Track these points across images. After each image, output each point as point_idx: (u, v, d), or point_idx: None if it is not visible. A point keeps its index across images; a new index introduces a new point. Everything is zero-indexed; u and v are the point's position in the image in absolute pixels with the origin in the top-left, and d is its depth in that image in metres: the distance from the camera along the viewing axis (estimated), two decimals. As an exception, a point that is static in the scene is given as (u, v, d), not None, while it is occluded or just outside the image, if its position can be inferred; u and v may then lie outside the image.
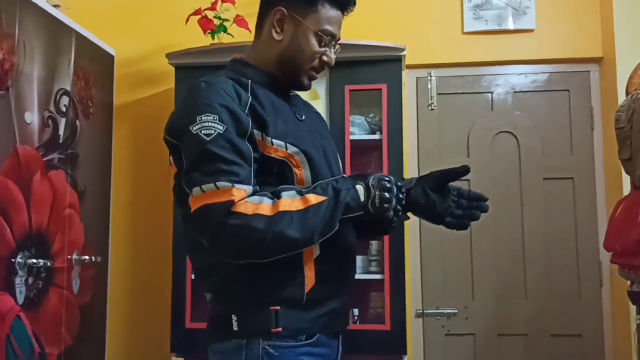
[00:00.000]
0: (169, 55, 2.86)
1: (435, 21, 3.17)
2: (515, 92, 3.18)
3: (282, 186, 1.37)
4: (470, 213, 1.43)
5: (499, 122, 3.16)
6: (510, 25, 3.13)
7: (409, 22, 3.17)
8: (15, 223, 2.29)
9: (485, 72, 3.20)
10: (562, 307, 3.03)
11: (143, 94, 3.27)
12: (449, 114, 3.18)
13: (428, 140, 3.18)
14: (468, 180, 2.71)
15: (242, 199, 1.29)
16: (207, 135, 1.31)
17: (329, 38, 1.49)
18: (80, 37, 2.81)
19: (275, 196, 1.33)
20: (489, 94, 3.19)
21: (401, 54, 2.75)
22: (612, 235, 2.35)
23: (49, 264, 2.48)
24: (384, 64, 2.75)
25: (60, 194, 2.60)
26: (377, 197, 1.35)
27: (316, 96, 2.75)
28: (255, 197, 1.31)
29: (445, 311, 3.07)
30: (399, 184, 1.40)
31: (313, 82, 1.56)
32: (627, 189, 2.61)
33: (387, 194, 1.35)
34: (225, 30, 2.96)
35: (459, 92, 3.20)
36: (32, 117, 2.43)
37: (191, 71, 2.74)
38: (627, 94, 2.66)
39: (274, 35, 1.49)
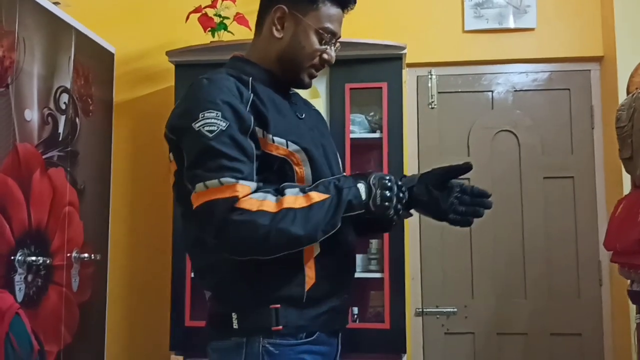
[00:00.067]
0: (169, 53, 2.86)
1: (435, 20, 3.17)
2: (515, 91, 3.17)
3: (285, 183, 1.37)
4: (474, 210, 1.43)
5: (499, 121, 3.16)
6: (511, 24, 3.13)
7: (410, 20, 3.16)
8: (15, 221, 2.28)
9: (485, 70, 3.19)
10: (561, 306, 3.03)
11: (143, 91, 3.27)
12: (450, 112, 3.18)
13: (428, 138, 3.18)
14: (468, 179, 2.71)
15: (246, 195, 1.29)
16: (210, 131, 1.31)
17: (329, 36, 1.49)
18: (80, 34, 2.80)
19: (279, 193, 1.33)
20: (490, 93, 3.19)
21: (402, 52, 2.75)
22: (612, 235, 2.35)
23: (48, 261, 2.48)
24: (385, 63, 2.75)
25: (59, 191, 2.60)
26: (378, 196, 1.35)
27: (316, 94, 2.74)
28: (259, 194, 1.31)
29: (444, 310, 3.07)
30: (400, 182, 1.40)
31: (313, 80, 1.55)
32: (627, 188, 2.61)
33: (387, 193, 1.35)
34: (225, 28, 2.95)
35: (460, 90, 3.20)
36: (32, 114, 2.43)
37: (191, 69, 2.74)
38: (627, 92, 2.66)
39: (275, 33, 1.48)
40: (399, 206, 1.38)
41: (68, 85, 2.70)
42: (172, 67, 2.88)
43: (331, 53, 1.51)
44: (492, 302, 3.06)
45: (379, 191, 1.35)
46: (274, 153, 1.39)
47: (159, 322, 2.97)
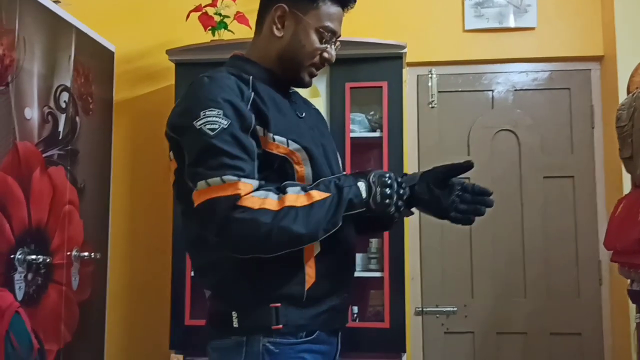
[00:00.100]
0: (169, 52, 2.86)
1: (436, 19, 3.17)
2: (515, 90, 3.17)
3: (287, 182, 1.37)
4: (475, 208, 1.43)
5: (499, 120, 3.16)
6: (511, 23, 3.13)
7: (410, 19, 3.16)
8: (15, 219, 2.28)
9: (486, 70, 3.19)
10: (561, 305, 3.03)
11: (143, 90, 3.27)
12: (450, 111, 3.18)
13: (428, 138, 3.18)
14: (468, 178, 2.71)
15: (248, 193, 1.29)
16: (212, 130, 1.31)
17: (329, 35, 1.49)
18: (80, 33, 2.80)
19: (281, 191, 1.33)
20: (490, 92, 3.19)
21: (402, 51, 2.75)
22: (612, 234, 2.35)
23: (48, 260, 2.48)
24: (385, 62, 2.75)
25: (59, 190, 2.60)
26: (378, 194, 1.36)
27: (317, 93, 2.74)
28: (261, 192, 1.31)
29: (444, 309, 3.07)
30: (400, 180, 1.40)
31: (313, 79, 1.56)
32: (627, 187, 2.61)
33: (388, 190, 1.36)
34: (225, 26, 2.95)
35: (460, 90, 3.20)
36: (32, 113, 2.43)
37: (191, 68, 2.73)
38: (628, 92, 2.67)
39: (275, 31, 1.48)
40: (400, 203, 1.38)
41: (68, 84, 2.70)
42: (173, 65, 2.88)
43: (331, 52, 1.51)
44: (492, 301, 3.06)
45: (379, 189, 1.36)
46: (275, 152, 1.39)
47: (158, 320, 2.97)
